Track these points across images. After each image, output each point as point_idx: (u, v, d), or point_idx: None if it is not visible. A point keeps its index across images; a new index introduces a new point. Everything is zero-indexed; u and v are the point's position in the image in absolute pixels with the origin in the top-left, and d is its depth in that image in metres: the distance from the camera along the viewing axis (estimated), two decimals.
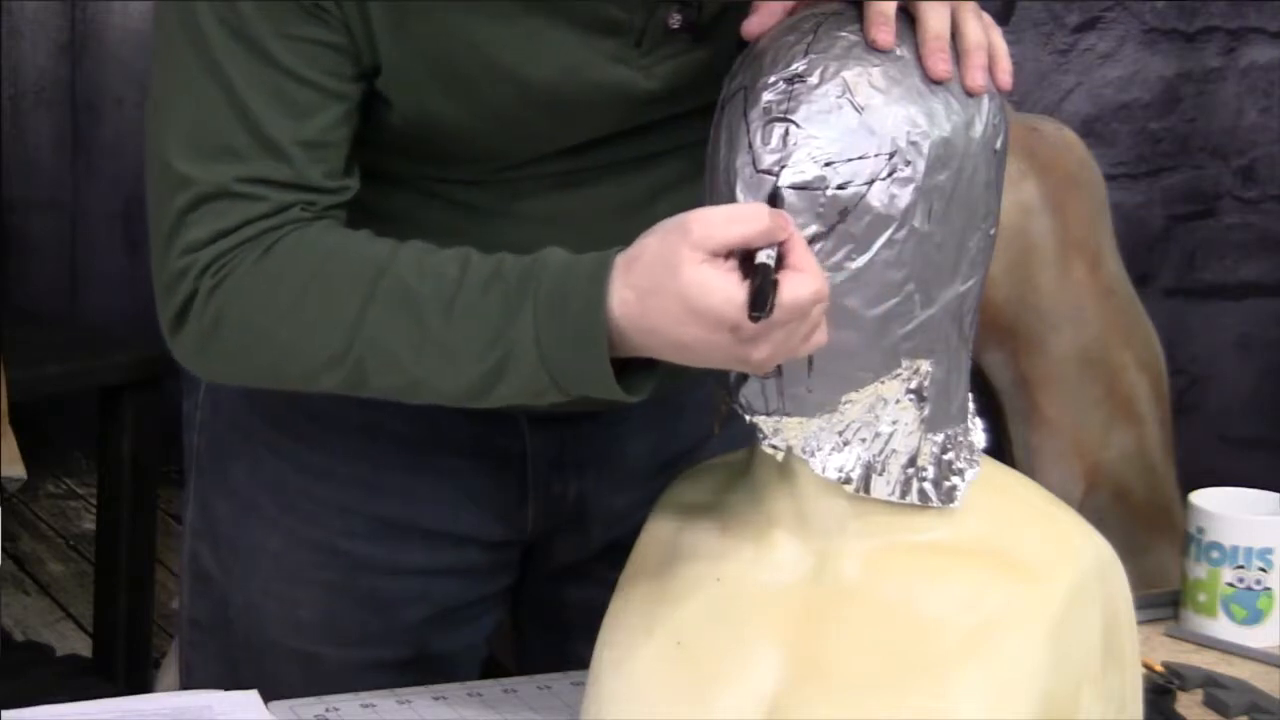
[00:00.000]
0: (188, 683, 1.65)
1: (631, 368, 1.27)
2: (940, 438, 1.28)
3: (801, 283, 1.18)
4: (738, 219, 1.19)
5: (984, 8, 1.31)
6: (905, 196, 1.23)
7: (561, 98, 1.37)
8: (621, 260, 1.24)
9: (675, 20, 1.36)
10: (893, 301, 1.24)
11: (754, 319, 1.17)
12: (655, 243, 1.22)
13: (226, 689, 1.50)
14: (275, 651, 1.58)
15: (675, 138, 1.43)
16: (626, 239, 1.46)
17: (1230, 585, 1.72)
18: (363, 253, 1.33)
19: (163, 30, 1.37)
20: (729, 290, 1.18)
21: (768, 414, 1.27)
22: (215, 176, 1.34)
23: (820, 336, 1.22)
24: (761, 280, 1.17)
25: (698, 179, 1.30)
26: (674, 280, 1.20)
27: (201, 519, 1.63)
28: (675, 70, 1.38)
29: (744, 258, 1.20)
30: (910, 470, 1.27)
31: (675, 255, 1.20)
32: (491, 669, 1.64)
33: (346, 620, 1.58)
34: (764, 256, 1.18)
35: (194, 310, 1.35)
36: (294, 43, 1.33)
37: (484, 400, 1.31)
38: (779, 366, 1.24)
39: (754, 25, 1.31)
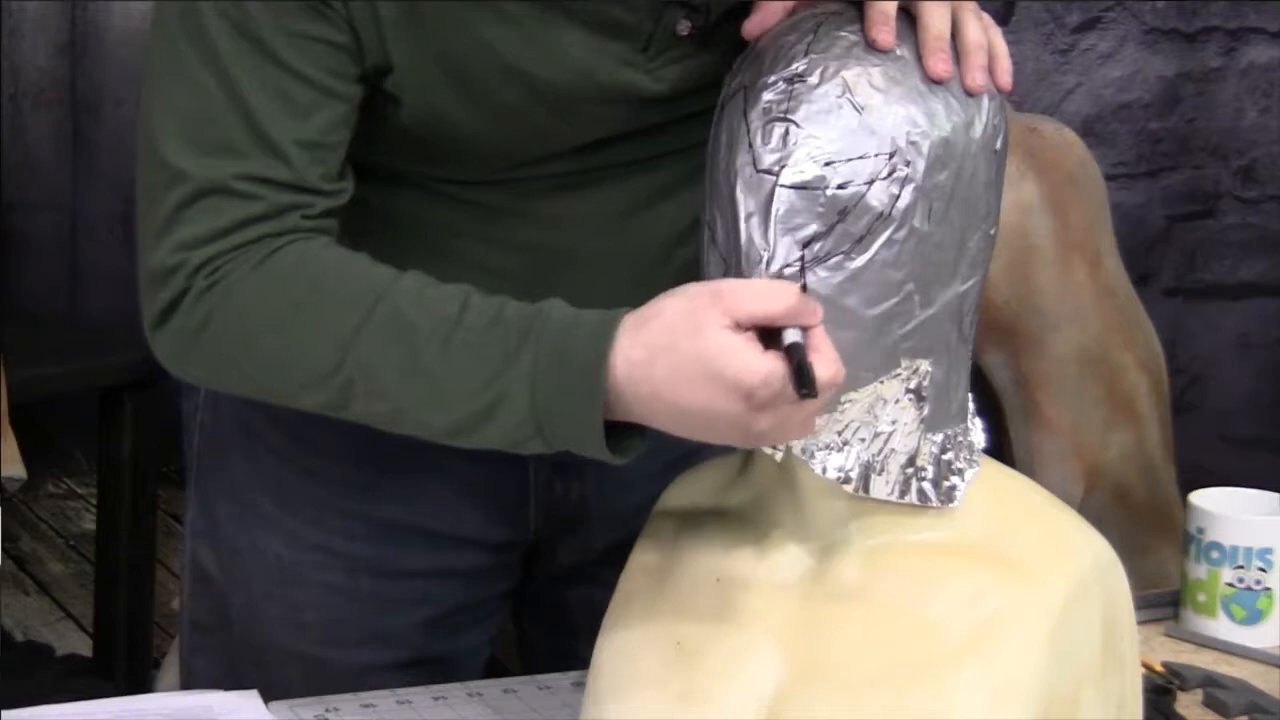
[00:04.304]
0: (189, 685, 1.64)
1: (618, 428, 1.26)
2: (940, 437, 1.28)
3: (828, 365, 1.19)
4: (770, 294, 1.20)
5: (984, 8, 1.31)
6: (905, 196, 1.23)
7: (569, 98, 1.36)
8: (632, 319, 1.23)
9: (684, 27, 1.36)
10: (892, 301, 1.24)
11: (802, 396, 1.17)
12: (677, 304, 1.22)
13: (227, 690, 1.50)
14: (276, 654, 1.58)
15: (679, 139, 1.42)
16: (629, 241, 1.45)
17: (1230, 585, 1.72)
18: (362, 275, 1.32)
19: (161, 25, 1.36)
20: (751, 359, 1.18)
21: None
22: (212, 172, 1.33)
23: (816, 421, 1.23)
24: (800, 358, 1.18)
25: (700, 180, 1.30)
26: (695, 342, 1.19)
27: (202, 520, 1.63)
28: (682, 73, 1.38)
29: (762, 334, 1.20)
30: (909, 470, 1.27)
31: (702, 317, 1.19)
32: (493, 669, 1.64)
33: (348, 623, 1.57)
34: (795, 336, 1.19)
35: (182, 309, 1.34)
36: (297, 40, 1.32)
37: (466, 440, 1.30)
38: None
39: (754, 25, 1.31)
